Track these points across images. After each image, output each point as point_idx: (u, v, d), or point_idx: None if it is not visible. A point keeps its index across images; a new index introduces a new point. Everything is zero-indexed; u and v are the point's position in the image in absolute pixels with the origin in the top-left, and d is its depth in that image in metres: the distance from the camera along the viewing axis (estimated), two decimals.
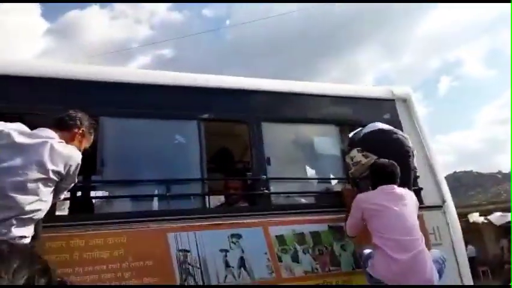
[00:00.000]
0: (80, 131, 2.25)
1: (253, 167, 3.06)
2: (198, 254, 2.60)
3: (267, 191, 2.95)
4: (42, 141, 1.99)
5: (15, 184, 1.84)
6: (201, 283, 2.55)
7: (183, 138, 3.01)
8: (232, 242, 2.69)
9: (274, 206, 2.97)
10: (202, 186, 2.88)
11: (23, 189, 1.85)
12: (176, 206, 2.76)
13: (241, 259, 2.66)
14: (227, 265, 2.63)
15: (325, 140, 3.46)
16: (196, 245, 2.61)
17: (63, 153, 2.03)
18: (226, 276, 2.60)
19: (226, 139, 3.70)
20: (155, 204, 2.75)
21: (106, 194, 2.86)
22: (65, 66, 2.91)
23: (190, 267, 2.57)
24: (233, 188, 3.25)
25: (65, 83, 2.71)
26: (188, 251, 2.59)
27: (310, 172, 3.38)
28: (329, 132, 3.46)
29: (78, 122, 2.24)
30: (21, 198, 1.84)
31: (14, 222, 1.82)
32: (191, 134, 2.96)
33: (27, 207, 1.85)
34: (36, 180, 1.90)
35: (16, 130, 2.00)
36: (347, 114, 3.54)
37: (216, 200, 3.26)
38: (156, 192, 2.79)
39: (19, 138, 1.97)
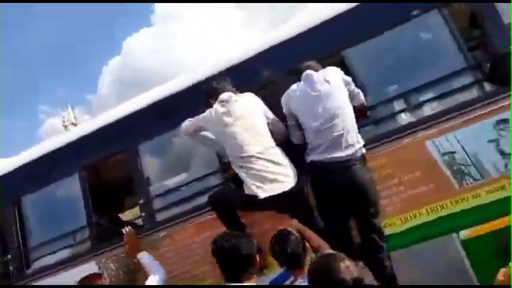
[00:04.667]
0: None
1: None
2: (466, 152, 2.52)
3: None
4: None
5: None
6: (479, 178, 2.50)
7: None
8: (500, 129, 2.47)
9: None
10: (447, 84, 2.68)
11: None
12: (424, 114, 2.71)
13: None
14: (502, 153, 2.46)
15: None
16: (460, 144, 2.54)
17: None
18: (506, 165, 2.45)
19: None
20: (402, 119, 2.78)
21: None
22: None
23: (461, 166, 2.54)
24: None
25: None
26: (453, 152, 2.55)
27: None
28: None
29: None
30: None
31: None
32: None
33: None
34: None
35: None
36: None
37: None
38: (397, 108, 2.81)
39: None
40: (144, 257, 2.87)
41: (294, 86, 2.70)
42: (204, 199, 2.98)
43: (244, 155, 2.60)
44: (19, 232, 3.61)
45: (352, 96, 2.65)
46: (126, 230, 3.00)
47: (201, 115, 2.79)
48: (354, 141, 2.50)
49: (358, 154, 2.50)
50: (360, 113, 2.71)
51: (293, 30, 3.06)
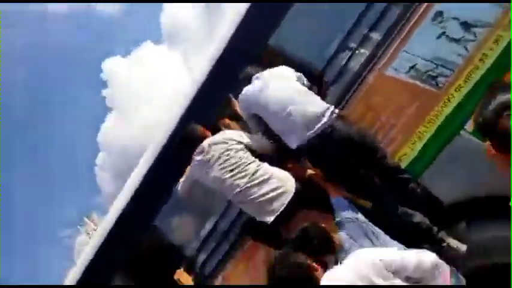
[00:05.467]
0: None
1: None
2: (424, 59, 2.54)
3: None
4: None
5: None
6: (450, 73, 2.50)
7: None
8: (440, 22, 2.48)
9: None
10: None
11: None
12: (369, 48, 2.73)
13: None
14: (456, 40, 2.47)
15: None
16: (414, 55, 2.56)
17: None
18: (465, 47, 2.46)
19: None
20: (354, 64, 2.80)
21: None
22: None
23: (429, 72, 2.54)
24: None
25: None
26: (415, 65, 2.56)
27: None
28: None
29: None
30: None
31: None
32: None
33: None
34: None
35: None
36: None
37: None
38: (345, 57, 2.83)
39: None
40: None
41: (248, 87, 2.78)
42: None
43: (235, 192, 2.68)
44: None
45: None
46: None
47: (187, 172, 2.91)
48: (323, 109, 2.55)
49: (333, 116, 2.55)
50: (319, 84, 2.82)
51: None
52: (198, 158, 2.81)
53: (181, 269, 3.21)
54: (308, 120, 2.54)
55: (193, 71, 3.35)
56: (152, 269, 3.66)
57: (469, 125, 2.53)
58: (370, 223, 2.34)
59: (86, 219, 19.40)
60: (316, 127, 2.51)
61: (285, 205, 2.57)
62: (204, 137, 2.87)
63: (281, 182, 2.64)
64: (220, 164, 2.72)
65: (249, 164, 2.71)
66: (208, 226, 3.42)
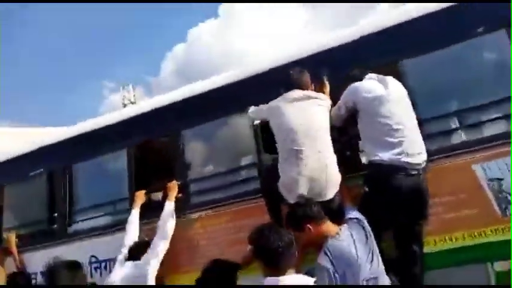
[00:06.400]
0: None
1: None
2: None
3: None
4: None
5: None
6: None
7: None
8: None
9: None
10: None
11: None
12: (478, 135, 2.62)
13: None
14: None
15: None
16: (509, 171, 2.44)
17: None
18: None
19: None
20: (453, 138, 2.70)
21: None
22: None
23: (508, 195, 2.45)
24: None
25: None
26: (501, 179, 2.46)
27: None
28: None
29: None
30: None
31: None
32: None
33: None
34: None
35: None
36: None
37: None
38: (451, 125, 2.72)
39: None
40: (167, 206, 3.14)
41: (366, 83, 2.64)
42: (232, 191, 3.18)
43: (287, 148, 2.55)
44: (67, 195, 3.89)
45: None
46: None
47: (268, 105, 2.78)
48: (423, 150, 2.49)
49: (424, 164, 2.47)
50: None
51: (355, 34, 3.05)
52: (288, 96, 2.68)
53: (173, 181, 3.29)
54: (410, 149, 2.41)
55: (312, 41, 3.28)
56: (154, 170, 3.74)
57: (500, 265, 2.45)
58: (367, 224, 2.33)
59: (131, 87, 19.19)
60: (411, 160, 2.40)
61: (312, 198, 2.45)
62: (306, 87, 2.75)
63: (331, 182, 2.51)
64: (298, 117, 2.59)
65: (320, 143, 2.55)
66: (222, 169, 3.45)
